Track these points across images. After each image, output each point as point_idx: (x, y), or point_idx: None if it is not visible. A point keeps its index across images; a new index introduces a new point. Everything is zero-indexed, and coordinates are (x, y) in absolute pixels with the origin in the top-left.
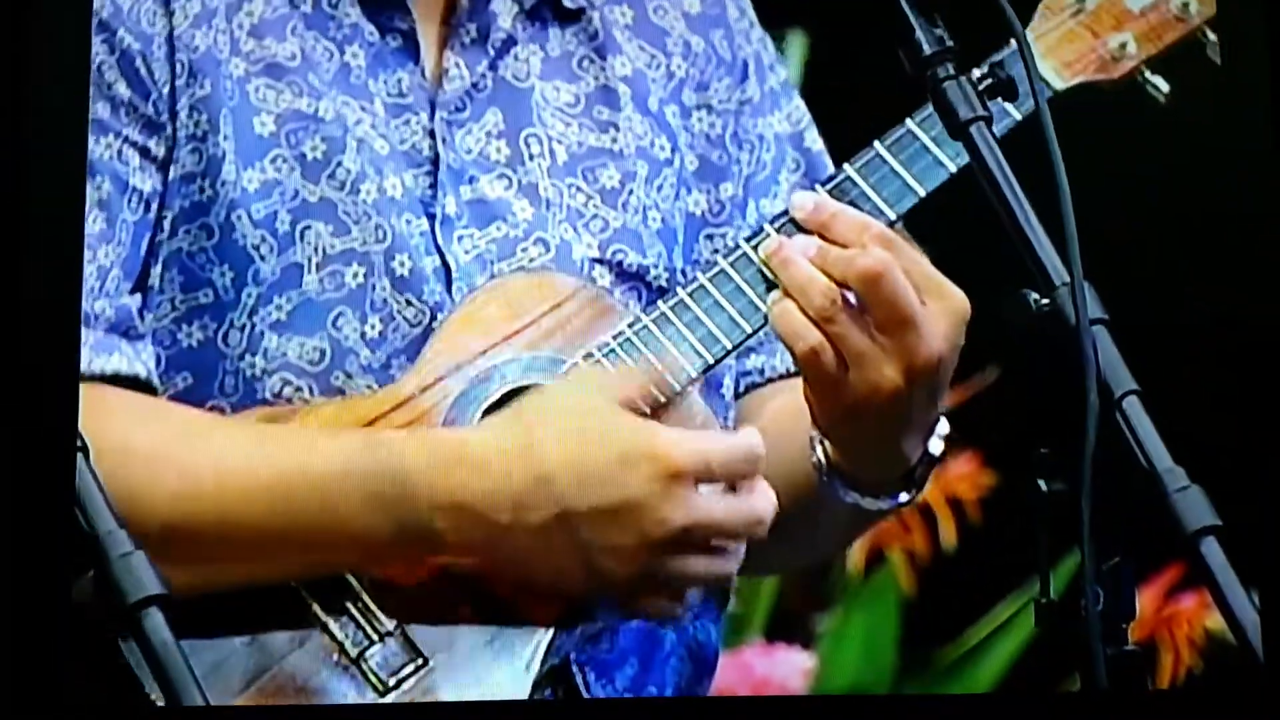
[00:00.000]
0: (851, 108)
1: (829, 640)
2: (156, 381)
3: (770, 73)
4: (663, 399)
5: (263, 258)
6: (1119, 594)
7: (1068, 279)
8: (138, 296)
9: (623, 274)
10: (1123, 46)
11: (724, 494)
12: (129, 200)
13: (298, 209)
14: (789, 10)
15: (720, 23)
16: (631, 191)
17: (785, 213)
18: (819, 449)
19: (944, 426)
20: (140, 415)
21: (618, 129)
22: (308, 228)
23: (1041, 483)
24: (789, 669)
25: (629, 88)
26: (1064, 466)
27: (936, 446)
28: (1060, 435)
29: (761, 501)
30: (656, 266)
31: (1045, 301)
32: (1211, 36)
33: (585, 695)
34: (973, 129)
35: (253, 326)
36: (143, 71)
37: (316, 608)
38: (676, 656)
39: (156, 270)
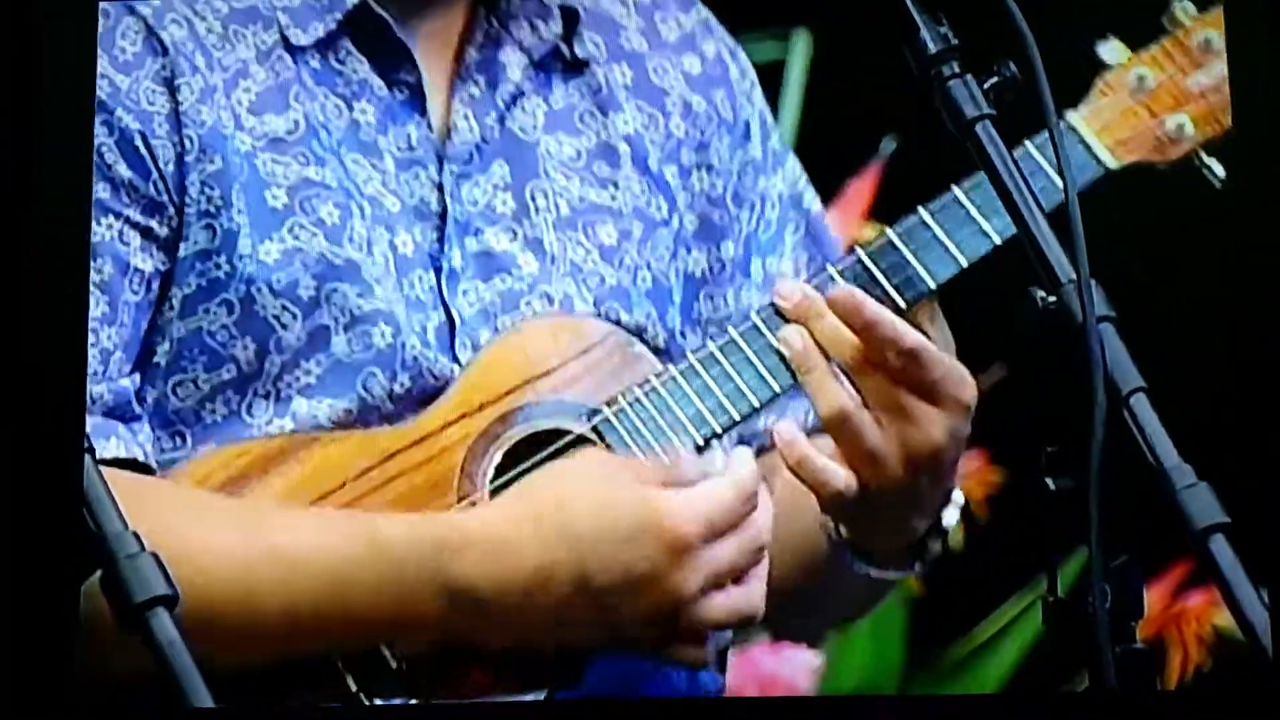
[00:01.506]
0: (856, 107)
1: (836, 639)
2: (154, 463)
3: (772, 133)
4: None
5: (284, 326)
6: (1127, 592)
7: (1074, 276)
8: (136, 376)
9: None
10: (1180, 128)
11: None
12: (130, 281)
13: (322, 273)
14: (793, 9)
15: (722, 83)
16: (626, 251)
17: (771, 304)
18: (830, 523)
19: (959, 497)
20: (165, 502)
21: (617, 187)
22: (334, 290)
23: (1049, 481)
24: (796, 667)
25: (629, 147)
26: (1071, 464)
27: (950, 517)
28: (1067, 433)
29: (760, 522)
30: (652, 326)
31: (1052, 299)
32: None
33: None
34: (978, 127)
35: (278, 393)
36: (142, 151)
37: (350, 680)
38: None
39: (165, 348)
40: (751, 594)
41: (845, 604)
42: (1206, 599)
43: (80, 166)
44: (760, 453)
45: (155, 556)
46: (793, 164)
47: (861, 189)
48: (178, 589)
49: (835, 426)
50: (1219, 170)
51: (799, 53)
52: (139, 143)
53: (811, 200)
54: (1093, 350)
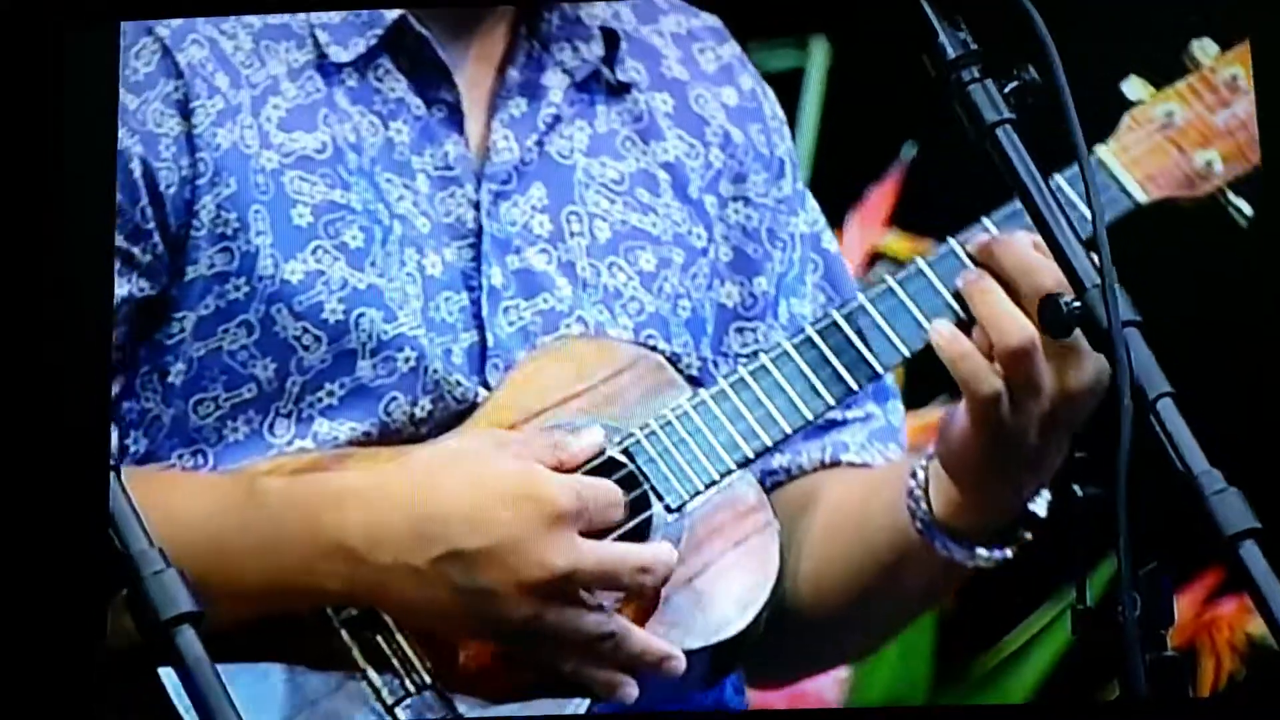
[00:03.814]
0: (876, 113)
1: None
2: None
3: (798, 173)
4: (563, 458)
5: (306, 348)
6: (1157, 599)
7: (1098, 281)
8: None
9: None
10: (1209, 164)
11: (607, 541)
12: None
13: (349, 297)
14: (812, 15)
15: (758, 117)
16: (666, 278)
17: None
18: (920, 503)
19: (1046, 494)
20: None
21: (657, 214)
22: (361, 315)
23: (1077, 487)
24: (824, 679)
25: (669, 174)
26: (1099, 471)
27: (1040, 507)
28: (1095, 439)
29: (650, 549)
30: (688, 355)
31: (1076, 304)
32: None
33: None
34: (999, 131)
35: (299, 413)
36: (136, 175)
37: (357, 653)
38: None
39: (180, 368)
40: (609, 619)
41: (910, 601)
42: (1239, 606)
43: (102, 193)
44: (774, 488)
45: (181, 572)
46: (812, 204)
47: (882, 195)
48: (203, 604)
49: (1020, 354)
50: (1246, 209)
51: (818, 60)
52: (135, 165)
53: (830, 241)
54: (1119, 355)
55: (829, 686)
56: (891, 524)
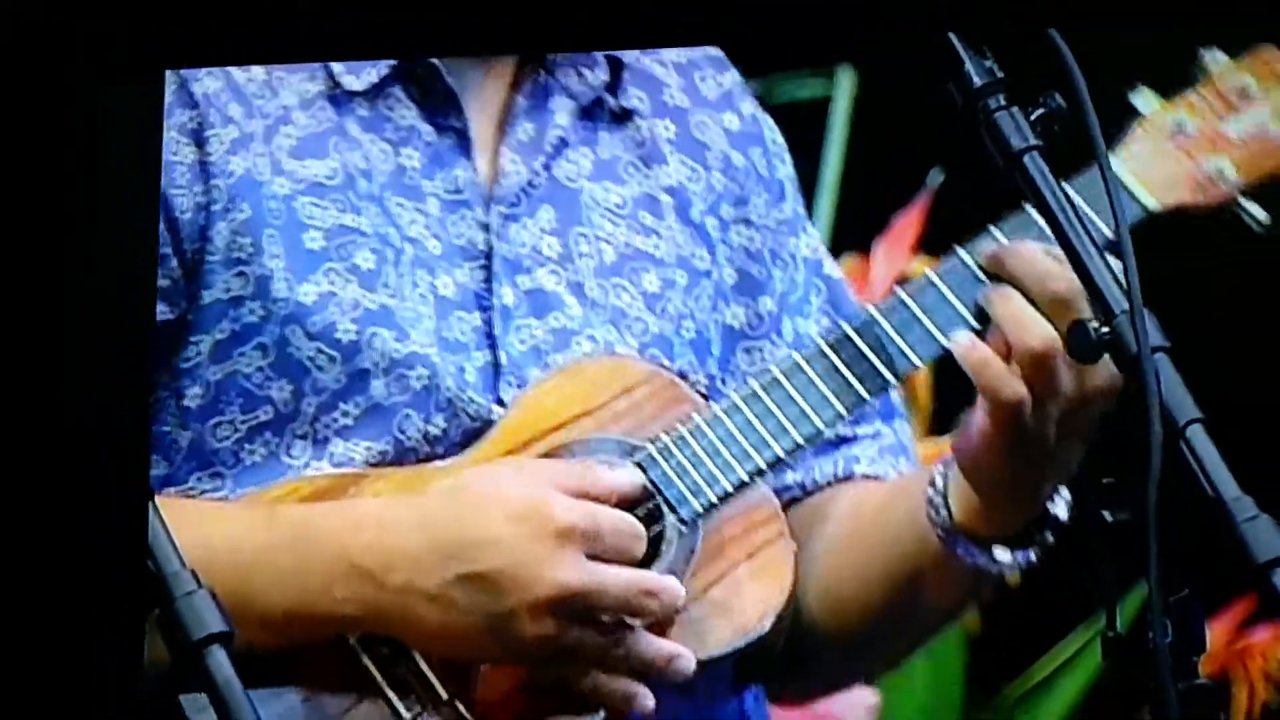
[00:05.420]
0: (902, 140)
1: (894, 676)
2: None
3: (799, 197)
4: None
5: (320, 368)
6: (1188, 627)
7: (1127, 307)
8: None
9: None
10: (1220, 171)
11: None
12: None
13: (361, 318)
14: (838, 46)
15: (759, 141)
16: (669, 299)
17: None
18: (941, 510)
19: (1066, 494)
20: None
21: (660, 236)
22: (374, 335)
23: (1107, 514)
24: (853, 705)
25: (672, 198)
26: (1129, 497)
27: (1060, 509)
28: (1125, 466)
29: (659, 576)
30: (694, 373)
31: (1105, 330)
32: None
33: None
34: (1026, 158)
35: (315, 434)
36: None
37: (374, 671)
38: None
39: (196, 391)
40: (633, 639)
41: (929, 615)
42: (1273, 634)
43: (146, 242)
44: (789, 505)
45: (212, 593)
46: (813, 229)
47: (910, 221)
48: (232, 626)
49: (1042, 357)
50: (1261, 215)
51: (844, 88)
52: None
53: (831, 268)
54: (1148, 381)
55: (858, 711)
56: (911, 534)
